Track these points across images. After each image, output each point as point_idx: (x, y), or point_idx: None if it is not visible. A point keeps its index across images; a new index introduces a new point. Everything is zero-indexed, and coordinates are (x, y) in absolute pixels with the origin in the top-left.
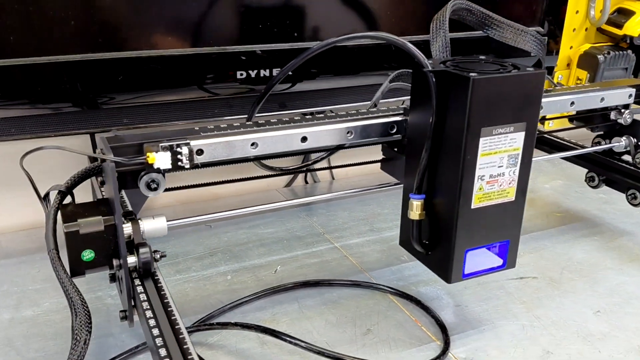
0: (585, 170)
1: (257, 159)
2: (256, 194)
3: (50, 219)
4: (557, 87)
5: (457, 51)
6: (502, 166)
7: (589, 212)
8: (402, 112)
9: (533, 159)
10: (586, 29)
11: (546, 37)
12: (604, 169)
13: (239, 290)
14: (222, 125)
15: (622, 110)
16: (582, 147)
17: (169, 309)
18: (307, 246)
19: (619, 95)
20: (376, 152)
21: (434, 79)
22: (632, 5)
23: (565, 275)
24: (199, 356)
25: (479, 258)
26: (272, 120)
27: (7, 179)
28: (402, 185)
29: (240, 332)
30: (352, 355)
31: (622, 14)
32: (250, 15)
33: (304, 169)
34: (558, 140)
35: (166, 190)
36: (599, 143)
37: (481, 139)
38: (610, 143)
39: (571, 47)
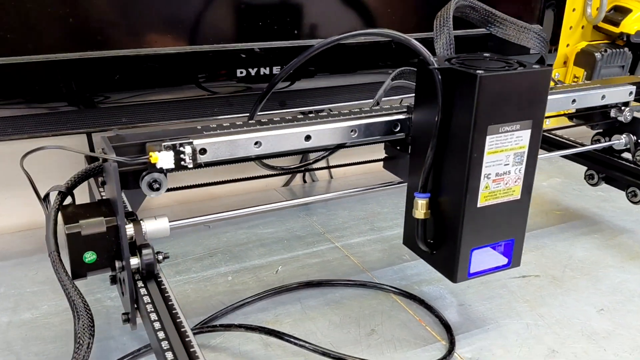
0: (584, 168)
1: (260, 158)
2: (254, 193)
3: (51, 220)
4: (558, 85)
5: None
6: (508, 164)
7: (588, 209)
8: (405, 110)
9: None
10: (583, 27)
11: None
12: (603, 167)
13: (241, 291)
14: (224, 124)
15: (622, 108)
16: (582, 145)
17: (173, 311)
18: (308, 246)
19: (619, 93)
20: (374, 151)
21: (439, 77)
22: (628, 3)
23: (567, 273)
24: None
25: (484, 257)
26: (275, 119)
27: (3, 180)
28: (402, 184)
29: (243, 334)
30: (358, 356)
31: (619, 12)
32: (250, 12)
33: (306, 167)
34: (557, 138)
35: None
36: (598, 141)
37: (488, 137)
38: (610, 141)
39: (568, 45)
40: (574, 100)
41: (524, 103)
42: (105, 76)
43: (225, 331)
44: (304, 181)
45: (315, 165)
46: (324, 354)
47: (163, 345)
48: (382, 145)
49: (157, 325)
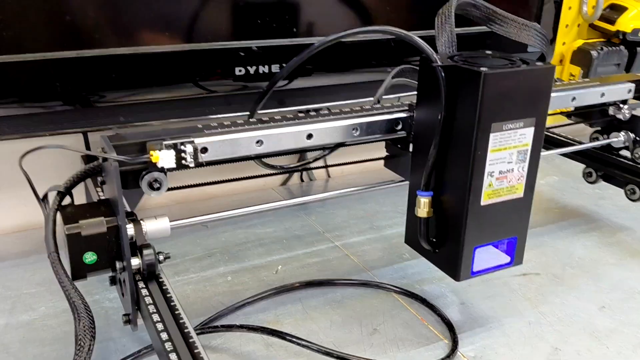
0: (580, 166)
1: (262, 156)
2: (252, 193)
3: (50, 221)
4: (557, 83)
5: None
6: (511, 162)
7: (585, 207)
8: (407, 108)
9: None
10: (579, 25)
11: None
12: (602, 165)
13: (240, 292)
14: (225, 123)
15: (621, 106)
16: (580, 143)
17: (176, 312)
18: (307, 245)
19: (618, 91)
20: (372, 150)
21: (443, 74)
22: (624, 1)
23: (568, 271)
24: None
25: (487, 255)
26: (276, 117)
27: None
28: (402, 182)
29: (244, 334)
30: (361, 356)
31: (615, 10)
32: (248, 10)
33: (306, 166)
34: (555, 136)
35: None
36: (597, 139)
37: (491, 135)
38: (608, 138)
39: (564, 44)
40: (573, 98)
41: (528, 100)
42: (102, 75)
43: (227, 332)
44: (302, 180)
45: (315, 164)
46: (327, 353)
47: (167, 347)
48: (380, 144)
49: (159, 326)
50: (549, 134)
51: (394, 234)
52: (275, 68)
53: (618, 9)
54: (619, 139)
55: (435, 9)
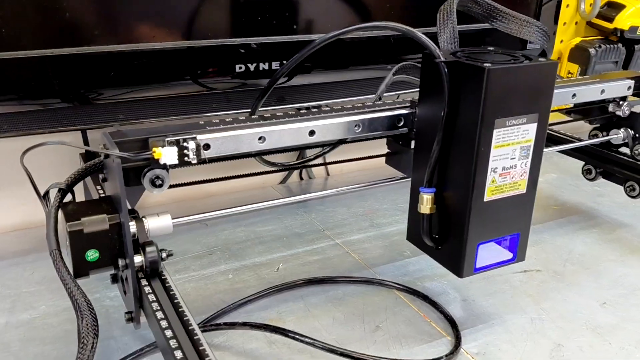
0: (579, 164)
1: (264, 153)
2: (250, 191)
3: (52, 218)
4: (557, 80)
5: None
6: (514, 158)
7: (584, 204)
8: (408, 104)
9: None
10: (576, 23)
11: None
12: (601, 162)
13: (242, 290)
14: (227, 119)
15: (621, 103)
16: (579, 140)
17: (180, 310)
18: (308, 243)
19: (618, 88)
20: (371, 148)
21: (446, 70)
22: None
23: (569, 267)
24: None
25: (490, 252)
26: (278, 114)
27: None
28: (402, 180)
29: (247, 332)
30: (364, 352)
31: (612, 8)
32: (248, 7)
33: (306, 163)
34: (554, 133)
35: None
36: (596, 136)
37: (495, 131)
38: (607, 135)
39: (562, 41)
40: (574, 95)
41: (531, 96)
42: (101, 72)
43: (229, 329)
44: (301, 178)
45: (317, 161)
46: (331, 350)
47: (171, 344)
48: (379, 141)
49: (164, 323)
50: (547, 131)
51: (394, 232)
52: (275, 65)
53: (616, 7)
54: (618, 135)
55: (435, 6)
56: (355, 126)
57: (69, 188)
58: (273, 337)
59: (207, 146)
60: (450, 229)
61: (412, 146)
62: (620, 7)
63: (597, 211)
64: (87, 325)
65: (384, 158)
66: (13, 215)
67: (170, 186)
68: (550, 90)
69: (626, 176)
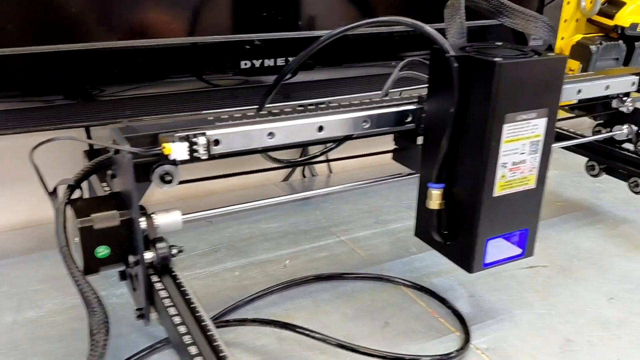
0: (580, 160)
1: (272, 149)
2: (253, 188)
3: (61, 214)
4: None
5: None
6: (524, 153)
7: (588, 200)
8: (416, 100)
9: None
10: (577, 20)
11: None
12: (604, 158)
13: (249, 286)
14: (236, 115)
15: (624, 99)
16: (582, 136)
17: (192, 305)
18: (314, 240)
19: (622, 83)
20: (374, 145)
21: (456, 65)
22: None
23: (575, 263)
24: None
25: (499, 247)
26: (286, 110)
27: None
28: (405, 176)
29: (256, 329)
30: (375, 348)
31: (613, 5)
32: (254, 3)
33: (311, 160)
34: (557, 129)
35: None
36: (599, 132)
37: (505, 126)
38: (611, 131)
39: (562, 38)
40: (579, 91)
41: (540, 91)
42: (106, 69)
43: (239, 326)
44: (304, 176)
45: (320, 159)
46: (342, 346)
47: (185, 340)
48: (380, 138)
49: (177, 319)
50: None
51: (399, 228)
52: (280, 62)
53: (616, 4)
54: (622, 131)
55: (435, 3)
56: (364, 122)
57: (77, 184)
58: (283, 333)
59: (216, 142)
60: (459, 225)
61: (418, 142)
62: (620, 4)
63: (599, 207)
64: (98, 322)
65: (385, 155)
66: (15, 214)
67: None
68: (559, 85)
69: (630, 172)
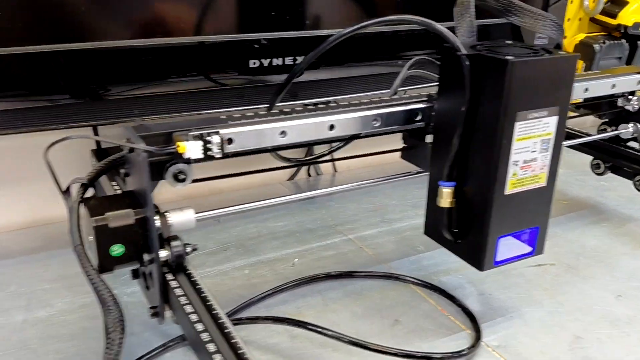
0: (584, 159)
1: (284, 148)
2: (259, 188)
3: (75, 213)
4: None
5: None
6: (535, 151)
7: (593, 199)
8: (426, 99)
9: None
10: (580, 19)
11: None
12: (610, 156)
13: (259, 285)
14: (248, 114)
15: (630, 97)
16: (587, 134)
17: (208, 303)
18: (321, 238)
19: (628, 82)
20: (379, 144)
21: (467, 63)
22: None
23: (582, 261)
24: None
25: (509, 245)
26: (297, 108)
27: (1, 176)
28: (414, 175)
29: (268, 327)
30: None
31: (616, 4)
32: (263, 2)
33: (319, 159)
34: None
35: None
36: (604, 130)
37: (517, 124)
38: (616, 130)
39: (565, 37)
40: (586, 89)
41: (552, 89)
42: (113, 68)
43: (250, 324)
44: (309, 175)
45: (335, 156)
46: (355, 344)
47: (203, 338)
48: (385, 137)
49: (193, 317)
50: None
51: (405, 227)
52: (288, 61)
53: (619, 3)
54: (627, 130)
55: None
56: (374, 120)
57: (90, 183)
58: (295, 331)
59: (230, 140)
60: (470, 223)
61: (427, 140)
62: (623, 4)
63: (605, 205)
64: (114, 320)
65: (389, 154)
66: (21, 213)
67: None
68: (570, 83)
69: (635, 170)
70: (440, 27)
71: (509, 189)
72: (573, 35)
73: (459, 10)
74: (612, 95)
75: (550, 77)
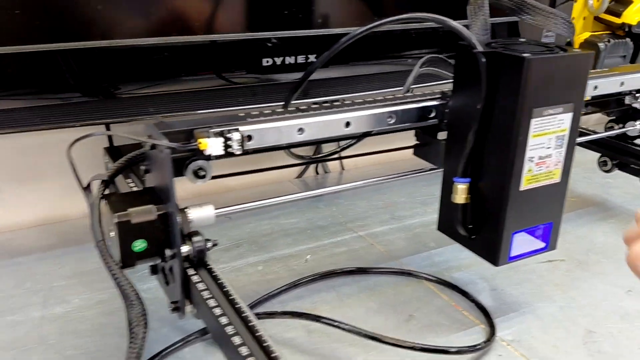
0: (589, 156)
1: (301, 145)
2: (268, 185)
3: (96, 209)
4: None
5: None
6: (550, 147)
7: (599, 196)
8: (439, 96)
9: None
10: (584, 18)
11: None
12: (617, 153)
13: (273, 280)
14: (266, 111)
15: (637, 95)
16: (594, 132)
17: (230, 297)
18: (332, 235)
19: (636, 80)
20: (386, 142)
21: (484, 60)
22: None
23: (592, 257)
24: None
25: (524, 241)
26: (313, 106)
27: (17, 174)
28: (419, 172)
29: (284, 322)
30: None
31: (620, 3)
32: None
33: (331, 156)
34: None
35: None
36: (611, 128)
37: (532, 120)
38: (623, 127)
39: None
40: (595, 87)
41: (567, 86)
42: (127, 67)
43: (268, 319)
44: (317, 173)
45: (347, 153)
46: (373, 338)
47: (228, 331)
48: (394, 135)
49: (217, 311)
50: None
51: (415, 224)
52: (301, 59)
53: (623, 2)
54: (634, 127)
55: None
56: (388, 117)
57: (111, 179)
58: (311, 326)
59: (249, 137)
60: (485, 218)
61: (439, 137)
62: (627, 3)
63: (611, 202)
64: (137, 314)
65: (397, 152)
66: (36, 211)
67: None
68: (585, 81)
69: None
70: (457, 24)
71: (524, 185)
72: (578, 34)
73: (472, 8)
74: (619, 93)
75: (566, 75)
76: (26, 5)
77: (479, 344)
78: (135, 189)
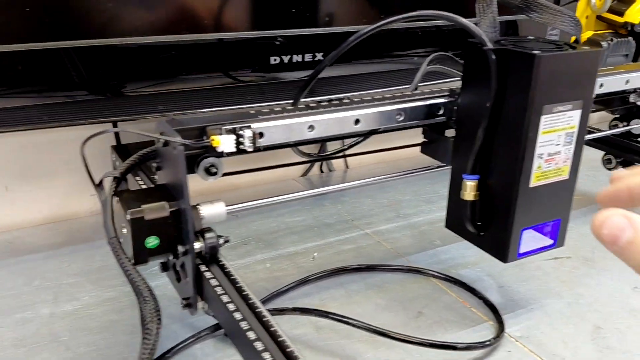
0: (593, 155)
1: (311, 142)
2: (274, 183)
3: (109, 206)
4: None
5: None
6: (559, 144)
7: None
8: (448, 93)
9: None
10: (587, 17)
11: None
12: (622, 151)
13: (281, 278)
14: (276, 109)
15: None
16: (599, 130)
17: (244, 293)
18: (339, 233)
19: None
20: (390, 140)
21: (494, 57)
22: None
23: (597, 254)
24: None
25: (532, 237)
26: (323, 103)
27: (24, 172)
28: (425, 170)
29: (293, 318)
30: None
31: (622, 2)
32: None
33: (338, 154)
34: None
35: None
36: (616, 126)
37: (542, 117)
38: (628, 125)
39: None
40: (601, 85)
41: (576, 83)
42: (134, 65)
43: (278, 315)
44: (321, 171)
45: (352, 151)
46: (384, 334)
47: (242, 326)
48: (398, 133)
49: (231, 306)
50: None
51: (421, 222)
52: (308, 57)
53: (626, 1)
54: (638, 125)
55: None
56: (397, 115)
57: (123, 176)
58: (320, 322)
59: (261, 134)
60: (494, 215)
61: (447, 134)
62: (630, 2)
63: None
64: (150, 310)
65: (401, 150)
66: (43, 209)
67: None
68: (593, 78)
69: None
70: (467, 21)
71: (533, 182)
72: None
73: (481, 5)
74: (624, 91)
75: (575, 72)
76: (35, 3)
77: (488, 340)
78: (144, 186)
